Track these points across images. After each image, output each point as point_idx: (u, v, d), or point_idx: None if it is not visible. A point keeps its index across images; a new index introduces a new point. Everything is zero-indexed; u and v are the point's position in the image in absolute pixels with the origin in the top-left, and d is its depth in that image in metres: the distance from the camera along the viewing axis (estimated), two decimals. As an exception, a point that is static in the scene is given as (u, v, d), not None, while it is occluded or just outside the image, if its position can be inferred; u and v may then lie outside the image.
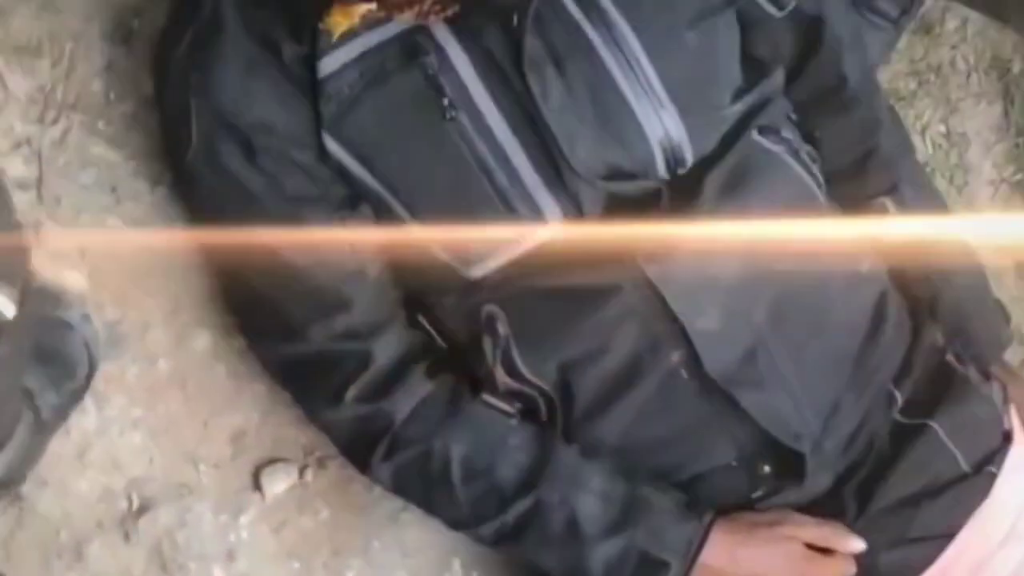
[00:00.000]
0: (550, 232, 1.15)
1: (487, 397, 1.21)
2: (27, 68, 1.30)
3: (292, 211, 1.16)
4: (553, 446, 1.21)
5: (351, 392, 1.20)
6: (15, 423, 1.10)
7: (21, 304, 0.90)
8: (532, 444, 1.21)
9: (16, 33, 1.30)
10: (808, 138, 1.29)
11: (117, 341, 1.33)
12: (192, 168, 1.18)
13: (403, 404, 1.20)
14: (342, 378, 1.20)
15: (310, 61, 1.12)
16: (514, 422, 1.21)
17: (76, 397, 1.26)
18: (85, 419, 1.29)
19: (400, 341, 1.22)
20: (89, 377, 1.28)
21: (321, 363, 1.20)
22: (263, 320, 1.23)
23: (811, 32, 1.27)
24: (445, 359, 1.24)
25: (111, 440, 1.30)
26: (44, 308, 1.27)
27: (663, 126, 1.15)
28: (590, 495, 1.21)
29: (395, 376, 1.21)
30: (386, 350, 1.20)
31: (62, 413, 1.25)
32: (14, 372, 0.98)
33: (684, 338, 1.17)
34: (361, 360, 1.19)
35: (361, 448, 1.23)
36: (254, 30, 1.14)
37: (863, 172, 1.33)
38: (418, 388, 1.21)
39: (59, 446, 1.27)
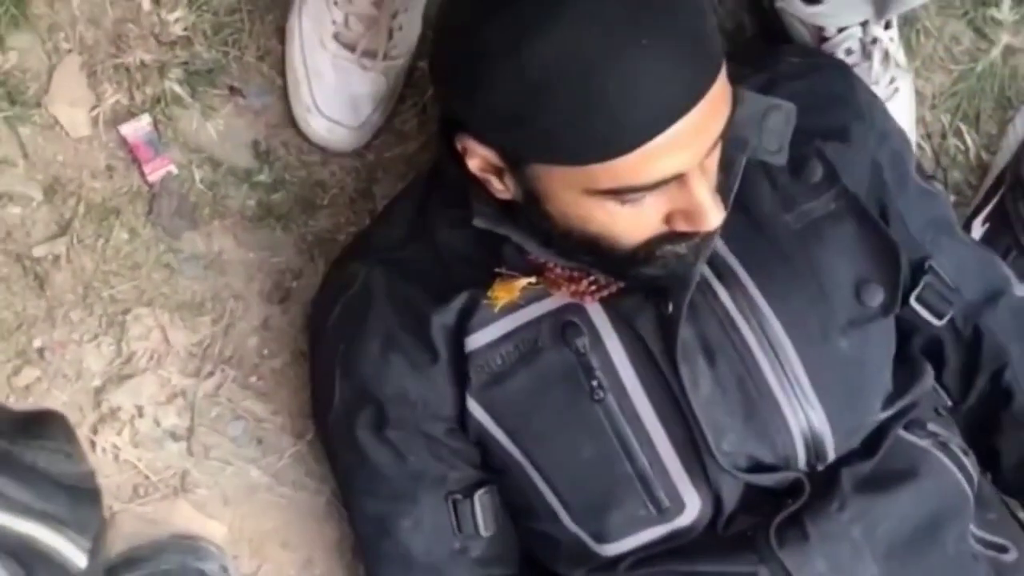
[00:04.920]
0: (688, 519, 1.14)
1: None
2: (189, 324, 1.37)
3: (409, 488, 1.18)
4: None
5: None
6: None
7: (93, 555, 0.90)
8: None
9: (182, 291, 1.38)
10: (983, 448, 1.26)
11: (252, 592, 1.34)
12: (331, 432, 1.23)
13: None
14: None
15: (457, 333, 1.15)
16: None
17: (208, 648, 1.27)
18: (215, 670, 1.30)
19: None
20: (223, 627, 1.30)
21: None
22: None
23: (974, 344, 1.24)
24: None
25: None
26: (184, 559, 1.30)
27: (808, 422, 1.14)
28: None
29: None
30: None
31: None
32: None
33: (826, 627, 1.13)
34: None
35: None
36: (400, 303, 1.17)
37: None
38: None
39: None
